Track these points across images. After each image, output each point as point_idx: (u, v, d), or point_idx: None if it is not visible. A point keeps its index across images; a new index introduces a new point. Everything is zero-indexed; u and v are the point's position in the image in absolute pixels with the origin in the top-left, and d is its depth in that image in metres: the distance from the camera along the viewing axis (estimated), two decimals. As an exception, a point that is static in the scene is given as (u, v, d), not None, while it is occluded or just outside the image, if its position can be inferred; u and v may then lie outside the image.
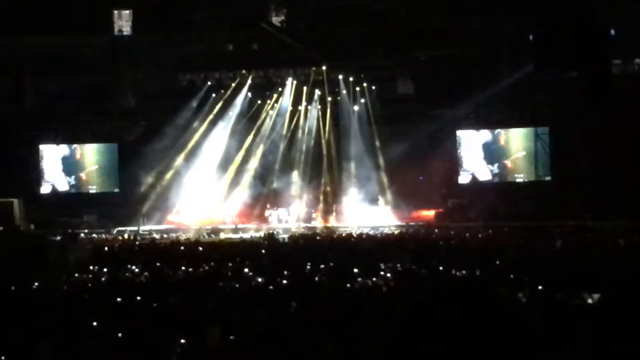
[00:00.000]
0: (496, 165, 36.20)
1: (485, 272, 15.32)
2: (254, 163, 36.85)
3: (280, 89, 37.02)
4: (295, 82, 36.75)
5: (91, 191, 38.60)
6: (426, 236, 27.36)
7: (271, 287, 14.53)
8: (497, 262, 17.09)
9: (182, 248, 24.36)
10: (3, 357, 9.32)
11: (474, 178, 36.15)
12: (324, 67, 35.99)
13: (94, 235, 31.74)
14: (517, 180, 35.95)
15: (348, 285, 14.57)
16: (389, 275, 15.85)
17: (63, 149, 38.59)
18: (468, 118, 36.05)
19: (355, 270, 16.22)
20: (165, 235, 31.31)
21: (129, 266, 18.83)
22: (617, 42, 31.33)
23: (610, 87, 30.77)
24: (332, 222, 34.65)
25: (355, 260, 18.15)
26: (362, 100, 36.83)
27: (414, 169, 34.67)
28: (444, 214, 34.71)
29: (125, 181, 37.06)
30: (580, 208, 30.46)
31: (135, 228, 33.45)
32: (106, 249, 24.97)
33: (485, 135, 36.17)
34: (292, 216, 35.56)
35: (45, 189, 38.14)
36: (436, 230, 29.54)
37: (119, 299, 13.05)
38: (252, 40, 36.18)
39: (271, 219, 35.53)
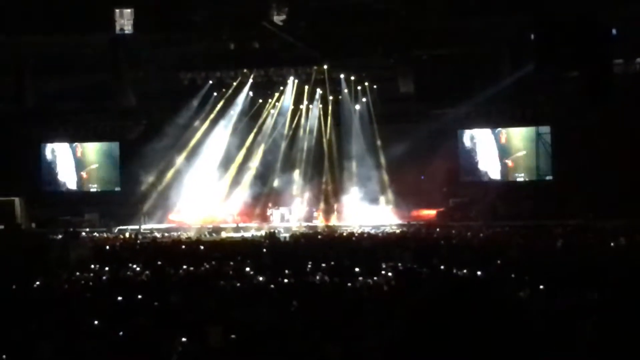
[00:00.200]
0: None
1: (486, 272, 15.31)
2: (255, 162, 36.89)
3: (281, 88, 37.03)
4: (296, 81, 36.75)
5: (92, 190, 38.68)
6: (427, 235, 27.33)
7: (272, 286, 14.53)
8: (498, 262, 17.05)
9: (184, 247, 24.34)
10: (4, 356, 9.31)
11: (480, 177, 36.20)
12: (325, 66, 35.95)
13: (95, 234, 31.77)
14: (518, 179, 35.98)
15: (349, 284, 14.57)
16: (390, 274, 15.82)
17: (64, 148, 38.63)
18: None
19: (357, 269, 16.24)
20: (166, 234, 31.27)
21: (130, 265, 18.80)
22: (618, 42, 31.30)
23: (611, 87, 30.72)
24: (333, 221, 34.69)
25: (356, 259, 18.15)
26: (364, 100, 36.85)
27: (415, 168, 34.69)
28: (445, 213, 34.76)
29: (126, 180, 37.13)
30: (581, 207, 30.43)
31: (137, 227, 33.46)
32: (107, 247, 24.91)
33: (487, 134, 36.28)
34: (293, 215, 35.59)
35: (46, 188, 38.17)
36: (437, 229, 29.51)
37: (120, 298, 13.04)
38: (253, 39, 36.13)
39: (272, 218, 35.57)
